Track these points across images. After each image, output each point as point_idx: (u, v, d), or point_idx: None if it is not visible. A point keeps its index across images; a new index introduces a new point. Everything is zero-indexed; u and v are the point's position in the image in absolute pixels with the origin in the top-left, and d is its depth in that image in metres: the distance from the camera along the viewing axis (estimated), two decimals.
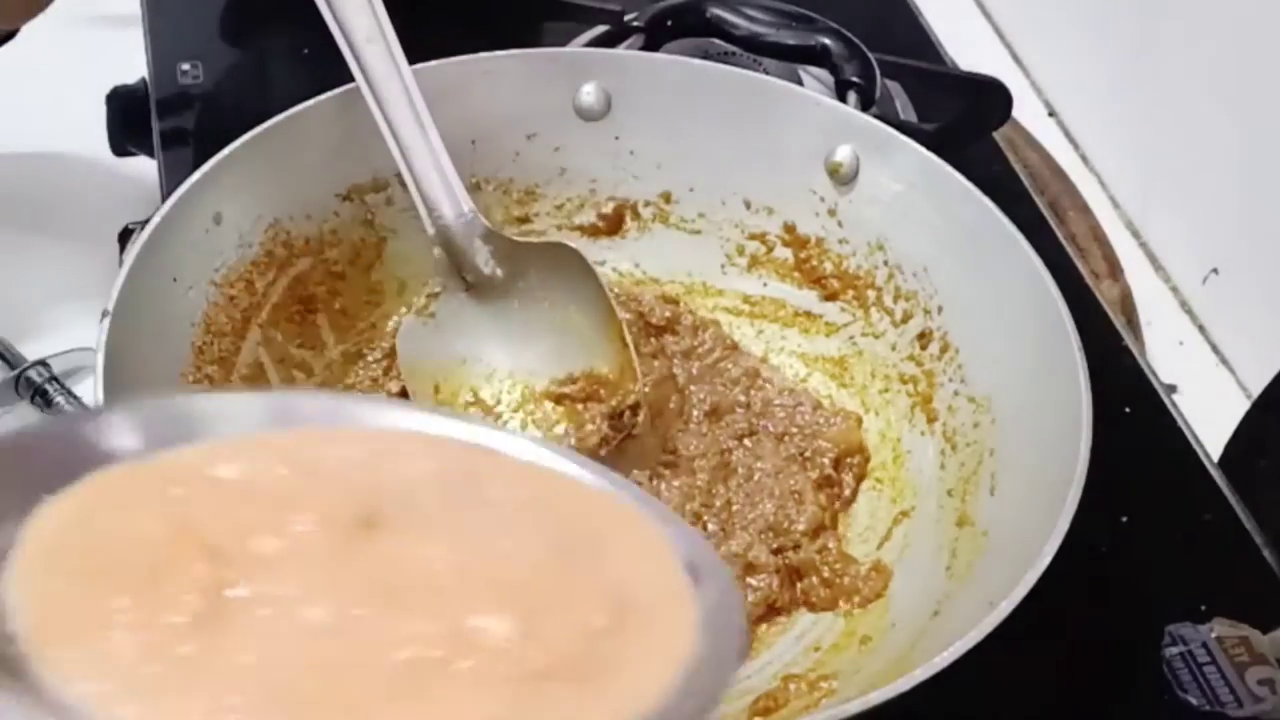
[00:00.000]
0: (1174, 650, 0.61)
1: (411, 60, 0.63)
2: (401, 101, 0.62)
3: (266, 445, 0.34)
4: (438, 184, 0.62)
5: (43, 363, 0.73)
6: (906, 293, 0.67)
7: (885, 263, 0.68)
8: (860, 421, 0.67)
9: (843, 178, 0.68)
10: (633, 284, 0.73)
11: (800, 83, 0.79)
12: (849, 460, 0.65)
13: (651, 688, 0.29)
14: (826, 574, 0.60)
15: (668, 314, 0.69)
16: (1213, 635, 0.61)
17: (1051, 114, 1.03)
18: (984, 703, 0.57)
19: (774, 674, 0.57)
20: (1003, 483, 0.58)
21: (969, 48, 1.00)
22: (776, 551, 0.61)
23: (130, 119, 0.84)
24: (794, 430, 0.66)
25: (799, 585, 0.61)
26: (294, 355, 0.65)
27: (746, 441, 0.66)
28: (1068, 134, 1.01)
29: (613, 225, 0.73)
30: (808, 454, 0.65)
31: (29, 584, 0.29)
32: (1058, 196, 0.90)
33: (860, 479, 0.66)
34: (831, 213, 0.69)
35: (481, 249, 0.64)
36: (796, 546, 0.61)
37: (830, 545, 0.62)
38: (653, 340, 0.69)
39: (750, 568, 0.60)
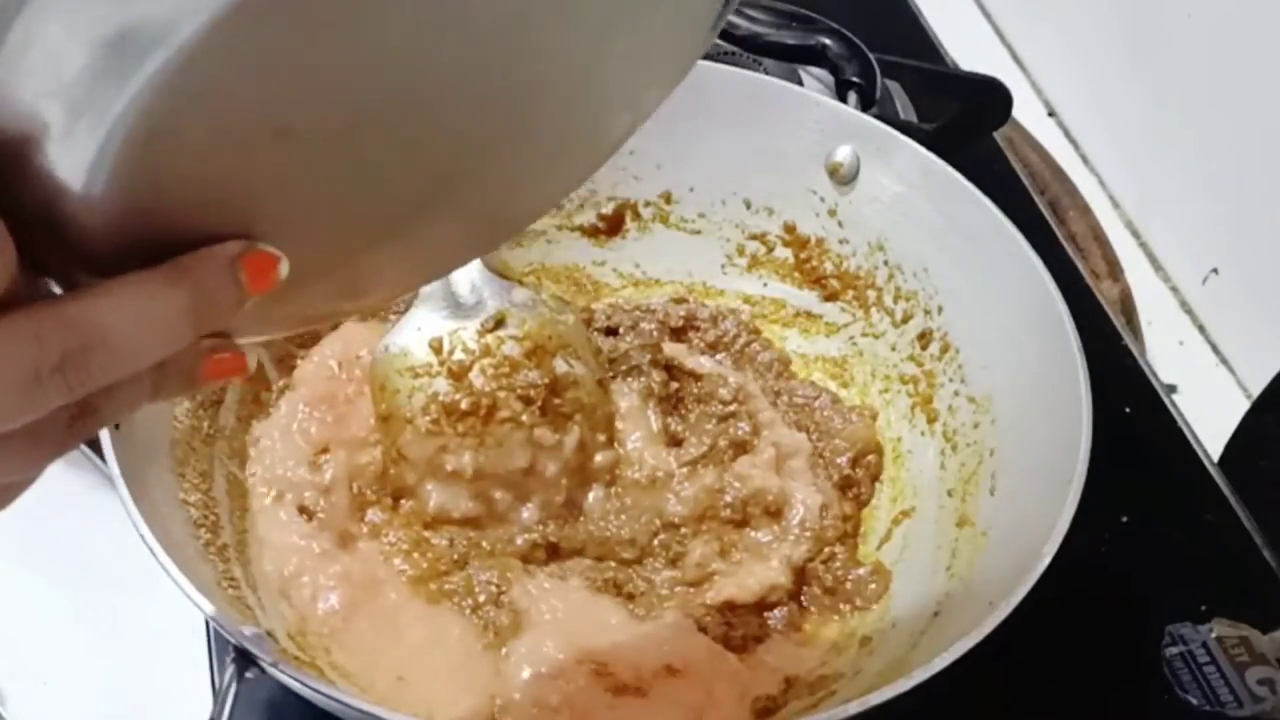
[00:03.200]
0: (1174, 650, 0.61)
1: None
2: None
3: None
4: None
5: None
6: (907, 293, 0.67)
7: (885, 263, 0.68)
8: (875, 417, 0.67)
9: (843, 178, 0.68)
10: (632, 285, 0.73)
11: (800, 83, 0.79)
12: (866, 459, 0.65)
13: None
14: (829, 582, 0.60)
15: (682, 313, 0.69)
16: (1213, 635, 0.61)
17: (1051, 114, 1.03)
18: (984, 703, 0.57)
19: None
20: (1003, 483, 0.58)
21: (969, 48, 1.00)
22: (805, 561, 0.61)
23: None
24: (810, 426, 0.66)
25: (803, 594, 0.60)
26: (296, 354, 0.65)
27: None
28: (1068, 134, 1.01)
29: (613, 225, 0.73)
30: (825, 453, 0.65)
31: None
32: (1058, 196, 0.90)
33: (875, 478, 0.65)
34: (832, 213, 0.69)
35: (463, 279, 0.62)
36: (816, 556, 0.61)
37: (839, 554, 0.61)
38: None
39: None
